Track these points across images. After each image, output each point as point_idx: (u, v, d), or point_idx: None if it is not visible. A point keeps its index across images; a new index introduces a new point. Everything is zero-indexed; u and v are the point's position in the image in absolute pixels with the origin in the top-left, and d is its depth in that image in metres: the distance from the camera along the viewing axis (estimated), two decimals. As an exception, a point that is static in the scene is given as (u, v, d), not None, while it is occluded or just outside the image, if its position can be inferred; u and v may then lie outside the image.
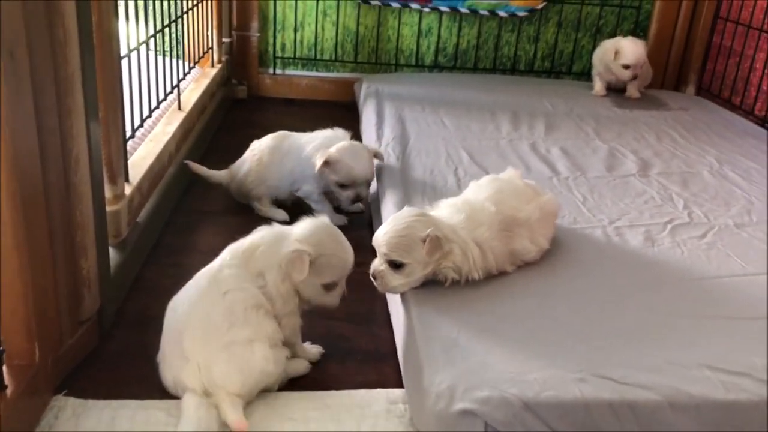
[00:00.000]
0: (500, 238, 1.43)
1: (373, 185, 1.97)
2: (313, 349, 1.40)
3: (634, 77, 2.86)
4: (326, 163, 1.81)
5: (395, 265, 1.35)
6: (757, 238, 1.71)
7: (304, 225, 1.32)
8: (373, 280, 1.39)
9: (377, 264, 1.38)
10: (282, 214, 1.96)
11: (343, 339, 1.47)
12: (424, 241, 1.33)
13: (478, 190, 1.55)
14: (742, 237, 1.71)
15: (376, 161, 1.95)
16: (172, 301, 1.29)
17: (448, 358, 1.17)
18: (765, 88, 2.77)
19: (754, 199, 1.96)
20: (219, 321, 1.21)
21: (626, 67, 2.82)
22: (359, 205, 2.02)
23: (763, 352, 1.22)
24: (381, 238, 1.37)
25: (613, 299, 1.39)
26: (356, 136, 2.60)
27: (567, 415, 1.08)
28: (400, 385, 1.31)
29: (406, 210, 1.42)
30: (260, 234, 1.32)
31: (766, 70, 2.77)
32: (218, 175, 2.02)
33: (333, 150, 1.80)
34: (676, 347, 1.23)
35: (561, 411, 1.08)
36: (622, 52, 2.81)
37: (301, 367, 1.35)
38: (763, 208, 1.91)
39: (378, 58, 3.21)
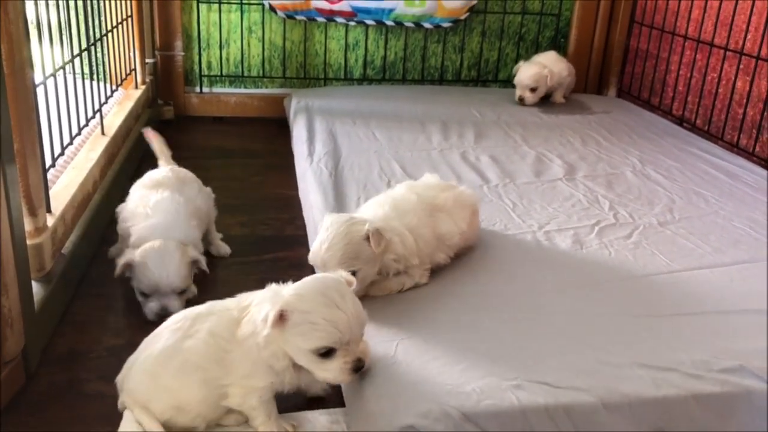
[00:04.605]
0: (427, 225, 1.49)
1: (311, 209, 1.94)
2: None
3: (533, 90, 2.92)
4: (128, 266, 1.54)
5: None
6: (679, 234, 1.78)
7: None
8: None
9: None
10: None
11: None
12: (367, 239, 1.34)
13: (396, 191, 1.60)
14: (666, 234, 1.78)
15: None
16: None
17: (387, 375, 1.17)
18: (681, 88, 2.89)
19: (675, 197, 2.04)
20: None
21: (514, 85, 2.98)
22: None
23: (688, 347, 1.27)
24: (324, 254, 1.35)
25: (544, 303, 1.42)
26: (288, 152, 2.60)
27: (505, 423, 1.09)
28: (341, 405, 1.30)
29: (332, 219, 1.40)
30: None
31: (680, 72, 2.89)
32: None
33: (138, 252, 1.52)
34: (607, 347, 1.27)
35: (499, 419, 1.09)
36: (517, 71, 2.96)
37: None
38: (685, 204, 1.98)
39: (306, 73, 3.20)
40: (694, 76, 2.80)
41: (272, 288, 1.17)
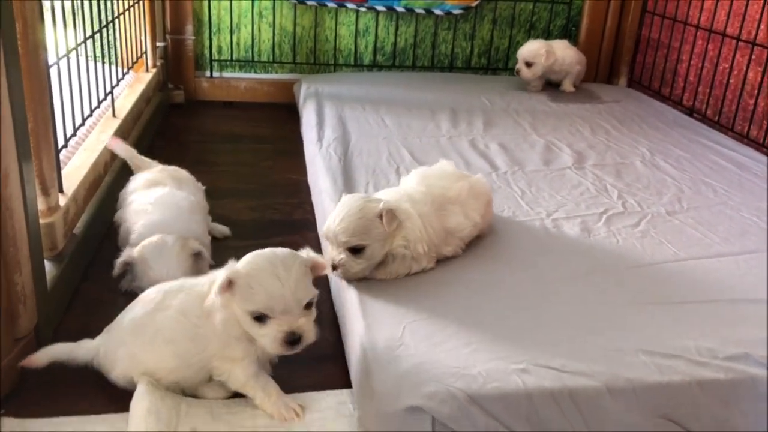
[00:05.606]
0: (435, 216, 1.49)
1: (323, 190, 1.95)
2: None
3: (529, 65, 2.92)
4: (127, 264, 1.48)
5: (355, 251, 1.38)
6: (687, 224, 1.78)
7: None
8: (332, 271, 1.40)
9: (335, 254, 1.39)
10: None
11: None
12: (380, 217, 1.37)
13: (408, 181, 1.62)
14: (674, 224, 1.78)
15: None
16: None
17: (394, 357, 1.18)
18: (692, 79, 2.87)
19: (684, 187, 2.03)
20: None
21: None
22: None
23: (694, 334, 1.28)
24: (337, 227, 1.38)
25: (551, 290, 1.43)
26: (297, 137, 2.60)
27: (511, 406, 1.10)
28: (347, 386, 1.31)
29: (349, 197, 1.44)
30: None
31: (692, 62, 2.88)
32: None
33: (135, 249, 1.47)
34: (613, 334, 1.28)
35: (505, 402, 1.10)
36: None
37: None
38: (693, 194, 1.98)
39: (316, 59, 3.20)
40: (705, 66, 2.79)
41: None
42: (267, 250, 1.20)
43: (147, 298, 1.28)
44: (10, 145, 1.18)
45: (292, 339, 1.15)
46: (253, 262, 1.17)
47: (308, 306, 1.17)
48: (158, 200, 1.59)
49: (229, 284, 1.16)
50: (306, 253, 1.23)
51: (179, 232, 1.51)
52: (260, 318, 1.15)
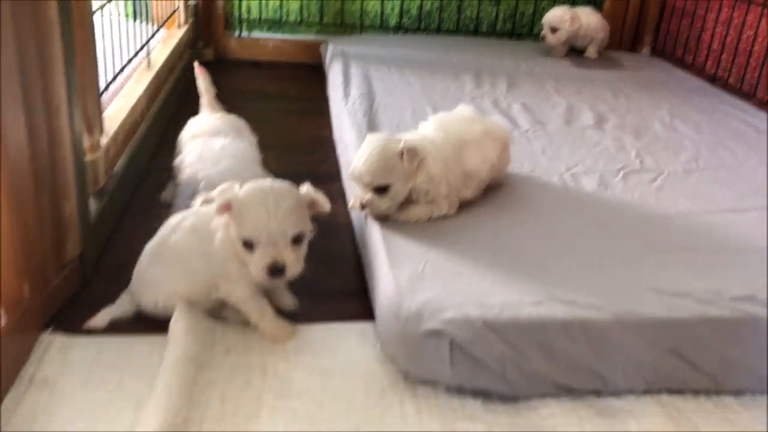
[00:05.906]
0: (454, 159, 1.54)
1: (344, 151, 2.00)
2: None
3: (554, 30, 2.98)
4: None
5: (380, 190, 1.45)
6: (703, 182, 1.82)
7: None
8: (361, 210, 1.49)
9: (362, 194, 1.47)
10: None
11: (316, 276, 1.51)
12: (401, 155, 1.43)
13: (426, 126, 1.65)
14: (690, 182, 1.83)
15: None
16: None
17: (415, 287, 1.25)
18: (715, 46, 2.89)
19: (702, 148, 2.07)
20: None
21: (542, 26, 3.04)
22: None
23: (702, 277, 1.34)
24: (362, 168, 1.45)
25: (568, 237, 1.49)
26: (322, 97, 2.66)
27: (524, 334, 1.17)
28: (369, 319, 1.38)
29: (372, 137, 1.50)
30: None
31: (716, 29, 2.89)
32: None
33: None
34: (625, 275, 1.34)
35: (519, 329, 1.17)
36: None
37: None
38: (710, 155, 2.02)
39: (343, 20, 3.24)
40: (729, 34, 2.80)
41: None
42: (266, 181, 1.25)
43: (166, 224, 1.36)
44: (60, 79, 1.26)
45: (275, 269, 1.19)
46: (249, 191, 1.22)
47: (297, 240, 1.21)
48: (224, 150, 1.61)
49: (227, 207, 1.22)
50: (306, 189, 1.27)
51: (245, 181, 1.51)
52: (248, 245, 1.20)
